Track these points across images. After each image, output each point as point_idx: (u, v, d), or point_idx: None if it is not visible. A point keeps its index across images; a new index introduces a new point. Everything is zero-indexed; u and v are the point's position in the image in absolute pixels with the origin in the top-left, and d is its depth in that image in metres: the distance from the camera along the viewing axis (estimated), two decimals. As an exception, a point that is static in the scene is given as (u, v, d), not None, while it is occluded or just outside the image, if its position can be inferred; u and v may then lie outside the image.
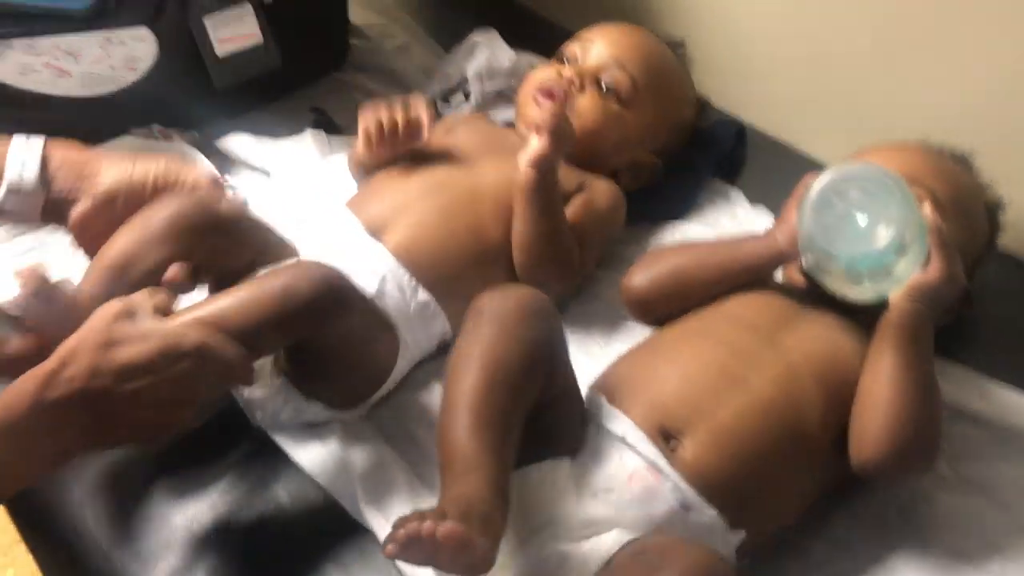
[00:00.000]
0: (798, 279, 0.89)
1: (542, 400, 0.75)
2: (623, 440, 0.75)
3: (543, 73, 1.08)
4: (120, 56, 1.17)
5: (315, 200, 1.12)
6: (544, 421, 0.76)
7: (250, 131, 1.26)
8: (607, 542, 0.71)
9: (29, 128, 1.21)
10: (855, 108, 1.19)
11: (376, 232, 0.96)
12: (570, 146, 0.96)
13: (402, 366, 0.92)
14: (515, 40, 1.32)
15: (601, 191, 1.05)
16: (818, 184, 0.77)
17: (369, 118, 1.01)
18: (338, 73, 1.43)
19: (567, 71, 1.07)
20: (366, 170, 1.07)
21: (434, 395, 0.93)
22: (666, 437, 0.74)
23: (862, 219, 0.76)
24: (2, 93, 1.15)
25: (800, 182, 0.86)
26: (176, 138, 1.23)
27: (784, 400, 0.77)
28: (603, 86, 1.06)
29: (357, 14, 1.51)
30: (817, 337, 0.83)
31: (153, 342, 0.68)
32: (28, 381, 0.66)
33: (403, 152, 1.03)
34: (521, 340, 0.73)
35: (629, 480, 0.73)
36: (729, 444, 0.74)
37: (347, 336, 0.86)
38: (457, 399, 0.71)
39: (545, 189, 0.95)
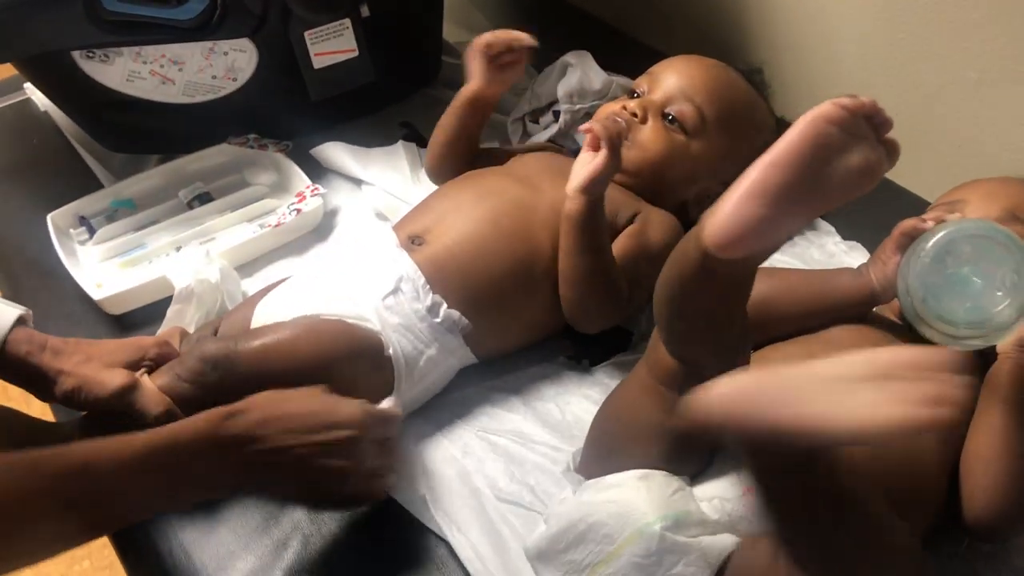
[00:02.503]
0: (895, 317, 0.86)
1: None
2: (737, 458, 0.73)
3: (608, 107, 1.08)
4: (222, 66, 1.20)
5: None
6: (690, 437, 0.73)
7: (342, 143, 1.29)
8: (723, 541, 0.70)
9: (132, 133, 1.27)
10: (953, 140, 1.16)
11: (422, 235, 0.96)
12: (613, 171, 0.91)
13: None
14: (608, 63, 1.32)
15: (656, 222, 1.01)
16: (930, 242, 0.72)
17: (481, 36, 1.06)
18: (429, 89, 1.44)
19: (632, 104, 1.06)
20: (469, 110, 1.10)
21: (487, 396, 0.96)
22: None
23: (976, 282, 0.72)
24: (108, 98, 1.19)
25: (898, 225, 0.82)
26: (271, 148, 1.27)
27: (899, 442, 0.74)
28: (669, 118, 1.05)
29: (450, 32, 1.53)
30: None
31: (324, 403, 0.77)
32: (212, 414, 0.73)
33: (518, 69, 1.09)
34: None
35: (744, 494, 0.72)
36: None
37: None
38: None
39: (590, 219, 0.92)
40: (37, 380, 0.82)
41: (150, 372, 0.86)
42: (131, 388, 0.82)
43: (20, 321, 0.83)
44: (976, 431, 0.76)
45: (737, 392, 0.54)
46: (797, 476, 0.56)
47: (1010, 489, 0.73)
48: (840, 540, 0.59)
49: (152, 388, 0.83)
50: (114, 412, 0.82)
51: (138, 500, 0.71)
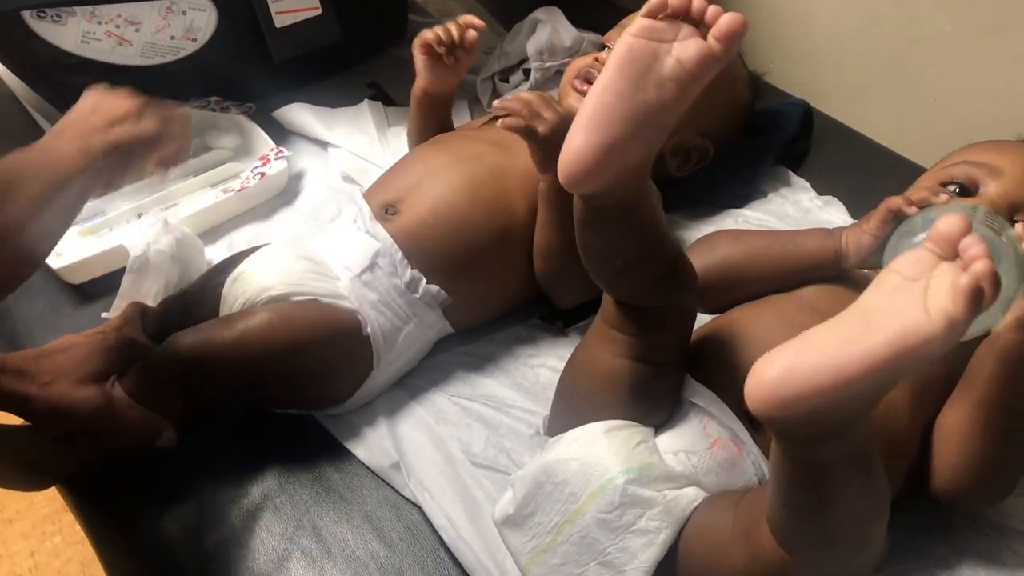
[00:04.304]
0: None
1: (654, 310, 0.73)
2: (706, 411, 0.73)
3: (580, 61, 1.06)
4: (180, 26, 1.16)
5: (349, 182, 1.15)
6: (648, 379, 0.74)
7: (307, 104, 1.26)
8: (688, 494, 0.69)
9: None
10: (928, 94, 1.15)
11: (396, 203, 0.93)
12: (549, 153, 0.87)
13: (380, 377, 0.90)
14: (576, 20, 1.29)
15: None
16: (913, 240, 0.70)
17: (424, 34, 1.00)
18: (396, 49, 1.41)
19: (603, 55, 1.04)
20: (426, 105, 1.06)
21: (460, 361, 0.94)
22: (750, 420, 0.72)
23: None
24: (63, 60, 1.15)
25: (885, 200, 0.79)
26: (233, 110, 1.23)
27: None
28: None
29: (417, -11, 1.50)
30: None
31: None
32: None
33: (464, 66, 1.03)
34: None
35: (712, 445, 0.71)
36: None
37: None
38: None
39: (560, 195, 0.88)
40: (4, 405, 0.78)
41: (120, 374, 0.83)
42: (105, 409, 0.80)
43: None
44: (956, 403, 0.75)
45: (780, 374, 0.50)
46: (837, 441, 0.54)
47: (978, 468, 0.72)
48: (860, 504, 0.58)
49: (126, 402, 0.81)
50: (93, 430, 0.80)
51: None
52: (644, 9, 0.62)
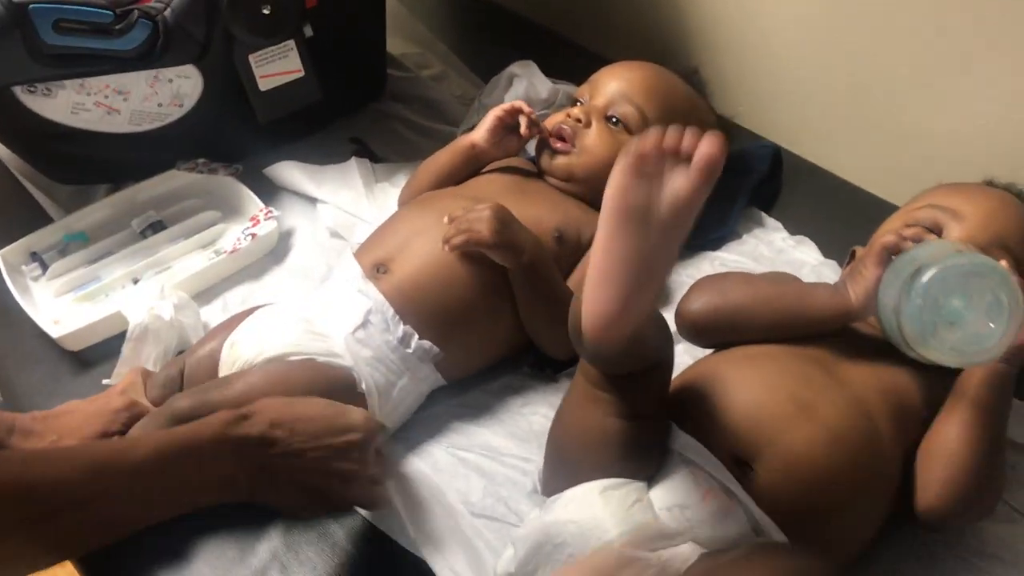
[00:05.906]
0: (865, 326, 0.87)
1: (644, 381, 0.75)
2: (695, 462, 0.75)
3: (553, 119, 1.10)
4: (167, 93, 1.19)
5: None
6: (639, 435, 0.76)
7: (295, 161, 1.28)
8: (683, 552, 0.71)
9: (79, 164, 1.26)
10: (893, 131, 1.19)
11: (386, 262, 0.96)
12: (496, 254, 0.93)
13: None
14: (553, 70, 1.33)
15: None
16: (923, 279, 0.71)
17: (521, 103, 1.10)
18: (377, 104, 1.45)
19: (575, 111, 1.08)
20: (469, 158, 1.12)
21: (454, 412, 0.97)
22: (738, 464, 0.75)
23: (968, 313, 0.71)
24: (54, 131, 1.17)
25: (877, 241, 0.82)
26: (221, 171, 1.26)
27: (855, 430, 0.77)
28: (612, 120, 1.08)
29: (395, 44, 1.53)
30: (880, 372, 0.82)
31: (330, 408, 0.79)
32: (223, 418, 0.74)
33: (519, 147, 1.12)
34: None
35: (704, 498, 0.73)
36: (801, 471, 0.74)
37: None
38: None
39: (526, 280, 0.96)
40: None
41: (123, 435, 0.86)
42: None
43: None
44: (942, 425, 0.78)
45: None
46: None
47: (966, 482, 0.76)
48: None
49: None
50: None
51: (149, 502, 0.71)
52: (631, 147, 0.63)
